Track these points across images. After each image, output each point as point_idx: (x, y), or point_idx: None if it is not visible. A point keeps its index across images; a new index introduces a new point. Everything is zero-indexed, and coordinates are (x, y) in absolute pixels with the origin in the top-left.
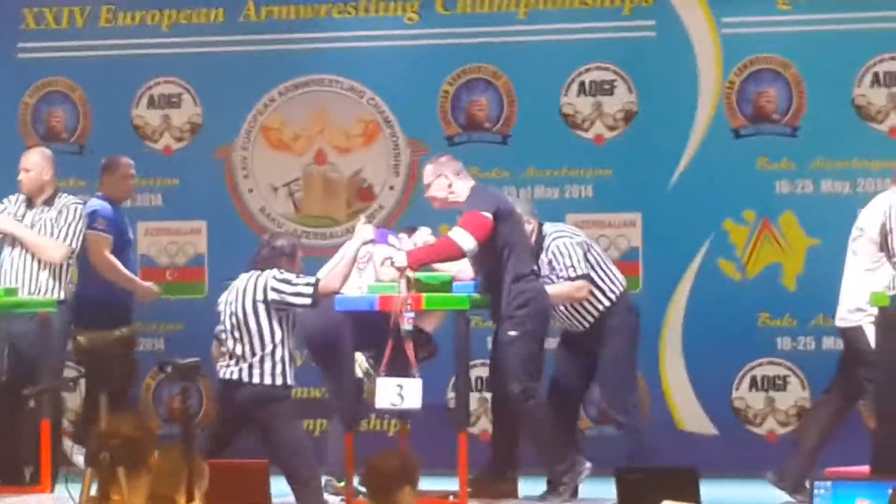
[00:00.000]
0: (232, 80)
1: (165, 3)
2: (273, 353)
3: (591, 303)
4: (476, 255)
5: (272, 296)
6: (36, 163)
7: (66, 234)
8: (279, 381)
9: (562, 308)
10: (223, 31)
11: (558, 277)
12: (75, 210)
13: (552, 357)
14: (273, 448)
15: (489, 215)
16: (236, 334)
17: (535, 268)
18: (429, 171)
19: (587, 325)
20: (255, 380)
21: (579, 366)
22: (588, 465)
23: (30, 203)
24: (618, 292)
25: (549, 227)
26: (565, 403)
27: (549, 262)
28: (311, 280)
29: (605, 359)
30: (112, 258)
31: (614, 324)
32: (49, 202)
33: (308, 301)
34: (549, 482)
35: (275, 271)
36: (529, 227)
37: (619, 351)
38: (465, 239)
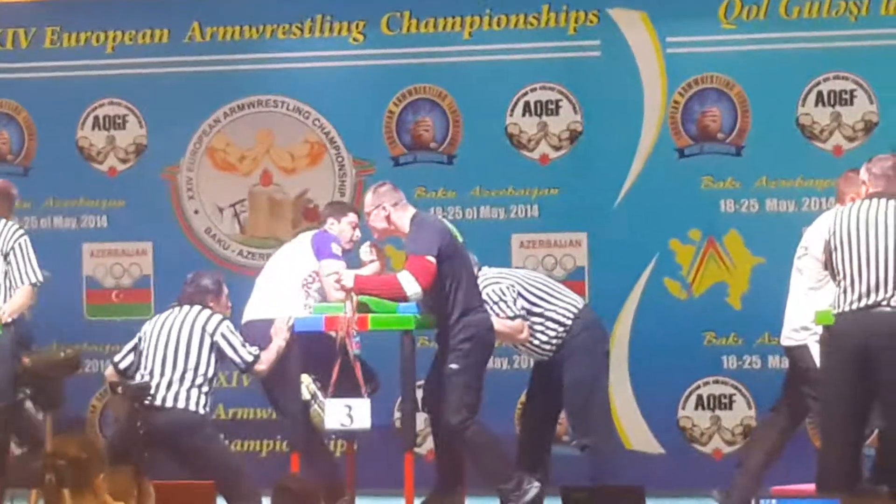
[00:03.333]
0: (177, 101)
1: (110, 24)
2: (201, 385)
3: (544, 333)
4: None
5: (218, 339)
6: None
7: (25, 273)
8: (202, 411)
9: (521, 346)
10: (168, 52)
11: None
12: (23, 243)
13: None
14: (209, 471)
15: (433, 260)
16: (168, 361)
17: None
18: (368, 201)
19: (550, 353)
20: (181, 405)
21: (550, 391)
22: (536, 484)
23: None
24: (572, 314)
25: (482, 274)
26: (537, 428)
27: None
28: (255, 353)
29: (567, 382)
30: None
31: (574, 346)
32: None
33: (242, 366)
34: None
35: (228, 321)
36: None
37: (579, 372)
38: (410, 285)
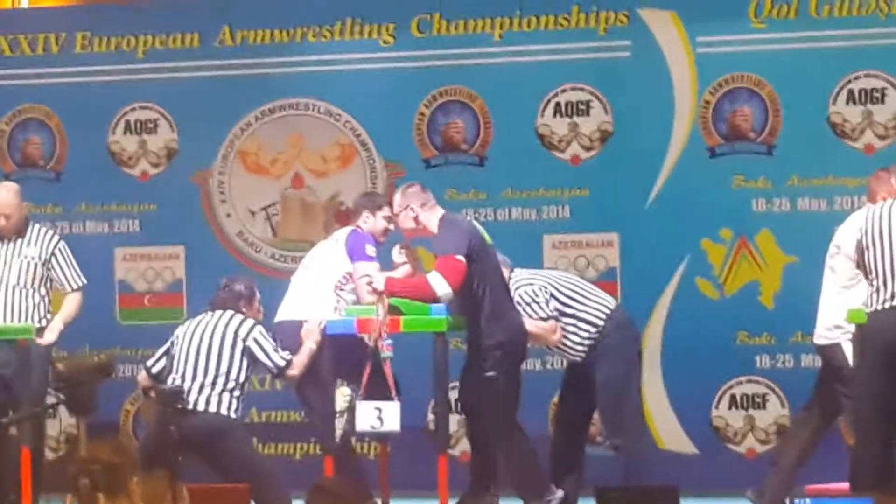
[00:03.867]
0: (208, 104)
1: (141, 28)
2: (233, 389)
3: (577, 334)
4: None
5: (250, 344)
6: (14, 206)
7: (71, 278)
8: (233, 415)
9: (554, 347)
10: (199, 56)
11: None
12: (63, 248)
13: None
14: (239, 474)
15: (463, 259)
16: (201, 365)
17: (511, 298)
18: (396, 202)
19: (583, 354)
20: (213, 409)
21: (583, 392)
22: (559, 494)
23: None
24: (604, 315)
25: (515, 275)
26: (571, 429)
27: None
28: (287, 358)
29: (599, 382)
30: None
31: (606, 346)
32: (22, 234)
33: (274, 371)
34: None
35: (260, 326)
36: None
37: (611, 373)
38: (441, 286)
